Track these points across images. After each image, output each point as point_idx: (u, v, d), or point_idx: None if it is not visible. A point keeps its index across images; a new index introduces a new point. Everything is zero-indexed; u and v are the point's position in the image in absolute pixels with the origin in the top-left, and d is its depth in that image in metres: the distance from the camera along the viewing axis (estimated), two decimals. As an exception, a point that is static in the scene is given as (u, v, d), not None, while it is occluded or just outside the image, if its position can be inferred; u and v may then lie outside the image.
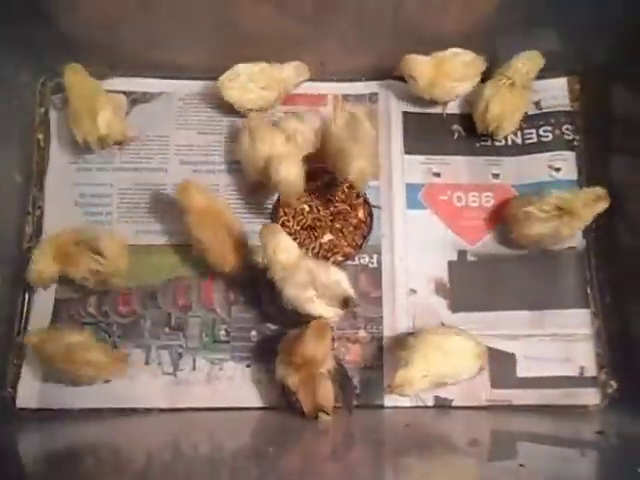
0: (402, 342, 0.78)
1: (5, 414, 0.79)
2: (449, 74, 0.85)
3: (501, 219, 0.86)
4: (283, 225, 0.86)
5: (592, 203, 0.79)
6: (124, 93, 0.91)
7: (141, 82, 0.92)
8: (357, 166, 0.78)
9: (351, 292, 0.75)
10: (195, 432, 0.76)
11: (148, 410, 0.79)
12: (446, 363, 0.75)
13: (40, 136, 0.90)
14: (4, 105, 0.85)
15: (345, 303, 0.75)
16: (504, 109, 0.85)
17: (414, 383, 0.73)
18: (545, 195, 0.81)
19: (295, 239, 0.85)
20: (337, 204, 0.87)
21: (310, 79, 0.91)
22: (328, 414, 0.74)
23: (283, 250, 0.74)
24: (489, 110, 0.85)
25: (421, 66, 0.85)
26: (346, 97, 0.92)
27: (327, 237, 0.86)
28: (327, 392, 0.74)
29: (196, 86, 0.92)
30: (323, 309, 0.75)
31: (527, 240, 0.83)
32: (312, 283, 0.74)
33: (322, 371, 0.74)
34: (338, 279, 0.75)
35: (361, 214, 0.87)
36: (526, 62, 0.85)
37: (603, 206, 0.79)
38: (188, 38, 0.85)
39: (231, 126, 0.91)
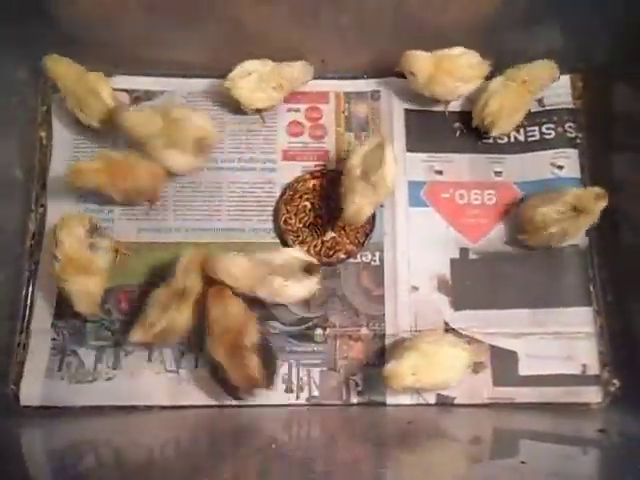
0: (401, 341, 0.78)
1: (8, 411, 0.79)
2: (452, 73, 0.85)
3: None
4: (285, 223, 0.86)
5: (601, 199, 0.78)
6: (126, 91, 0.91)
7: (143, 80, 0.91)
8: (355, 206, 0.78)
9: (309, 258, 0.78)
10: (196, 429, 0.76)
11: (150, 407, 0.80)
12: (435, 374, 0.75)
13: (42, 134, 0.90)
14: (6, 103, 0.85)
15: (309, 270, 0.77)
16: (503, 106, 0.84)
17: (402, 379, 0.73)
18: (552, 194, 0.81)
19: (297, 237, 0.85)
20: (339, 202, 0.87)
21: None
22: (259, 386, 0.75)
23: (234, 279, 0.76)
24: (488, 105, 0.85)
25: (421, 62, 0.85)
26: (348, 95, 0.92)
27: (329, 235, 0.86)
28: (253, 363, 0.74)
29: (198, 84, 0.92)
30: (298, 289, 0.77)
31: (539, 241, 0.82)
32: (273, 272, 0.76)
33: (245, 343, 0.74)
34: (291, 254, 0.78)
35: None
36: (546, 71, 0.86)
37: (603, 204, 0.79)
38: (190, 36, 0.85)
39: (233, 124, 0.91)
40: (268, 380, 0.77)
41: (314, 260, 0.79)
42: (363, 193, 0.78)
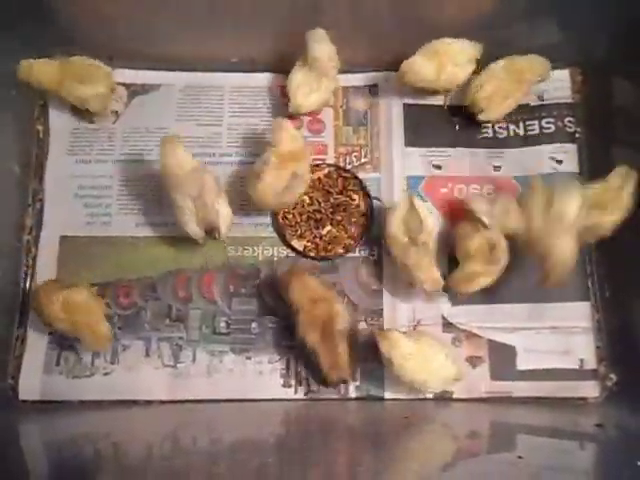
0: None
1: (6, 406, 0.80)
2: (451, 59, 0.84)
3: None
4: (284, 217, 0.86)
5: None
6: (123, 85, 0.90)
7: (140, 74, 0.91)
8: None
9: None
10: (195, 424, 0.76)
11: (148, 402, 0.80)
12: (418, 374, 0.75)
13: (39, 127, 0.89)
14: (2, 97, 0.84)
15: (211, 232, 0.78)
16: (497, 91, 0.84)
17: (399, 351, 0.73)
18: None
19: (296, 231, 0.85)
20: (337, 196, 0.87)
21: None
22: (346, 381, 0.76)
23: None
24: (483, 86, 0.84)
25: (424, 70, 0.84)
26: (346, 89, 0.92)
27: (327, 229, 0.86)
28: (342, 350, 0.75)
29: (196, 78, 0.91)
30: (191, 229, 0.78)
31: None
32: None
33: (338, 328, 0.75)
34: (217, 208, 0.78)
35: (362, 206, 0.87)
36: (539, 66, 0.86)
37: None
38: (186, 30, 0.84)
39: (231, 117, 0.90)
40: (353, 372, 0.78)
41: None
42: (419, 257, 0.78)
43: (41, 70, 0.83)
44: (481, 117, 0.86)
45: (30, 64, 0.83)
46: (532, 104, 0.90)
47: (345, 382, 0.79)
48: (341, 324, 0.75)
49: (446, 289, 0.81)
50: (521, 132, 0.90)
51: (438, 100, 0.90)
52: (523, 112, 0.89)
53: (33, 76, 0.83)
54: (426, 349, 0.76)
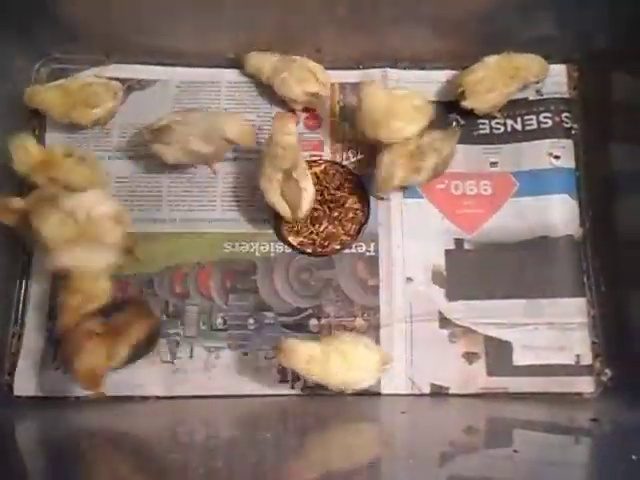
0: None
1: (3, 402, 0.79)
2: (398, 115, 0.82)
3: (504, 211, 0.86)
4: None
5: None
6: (119, 80, 0.90)
7: (137, 69, 0.91)
8: None
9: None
10: (192, 419, 0.76)
11: (145, 398, 0.80)
12: (345, 372, 0.74)
13: (35, 122, 0.89)
14: (1, 92, 0.84)
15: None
16: (484, 80, 0.85)
17: (296, 359, 0.72)
18: None
19: (293, 227, 0.85)
20: (334, 192, 0.87)
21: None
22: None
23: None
24: (474, 71, 0.85)
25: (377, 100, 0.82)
26: (343, 85, 0.92)
27: (324, 225, 0.86)
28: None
29: (192, 73, 0.91)
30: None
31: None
32: None
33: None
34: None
35: (358, 202, 0.87)
36: (536, 66, 0.87)
37: None
38: (183, 25, 0.84)
39: (227, 113, 0.90)
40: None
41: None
42: None
43: (47, 98, 0.85)
44: (465, 104, 0.86)
45: (35, 91, 0.84)
46: (530, 98, 0.90)
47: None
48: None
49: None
50: (519, 127, 0.90)
51: (436, 96, 0.90)
52: (521, 106, 0.89)
53: (39, 104, 0.85)
54: (343, 347, 0.74)
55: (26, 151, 0.80)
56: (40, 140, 0.88)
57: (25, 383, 0.80)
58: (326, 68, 0.91)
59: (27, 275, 0.84)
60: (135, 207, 0.87)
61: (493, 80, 0.85)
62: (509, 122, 0.90)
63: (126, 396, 0.80)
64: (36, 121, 0.89)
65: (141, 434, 0.70)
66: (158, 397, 0.80)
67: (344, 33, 0.85)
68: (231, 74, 0.92)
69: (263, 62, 0.88)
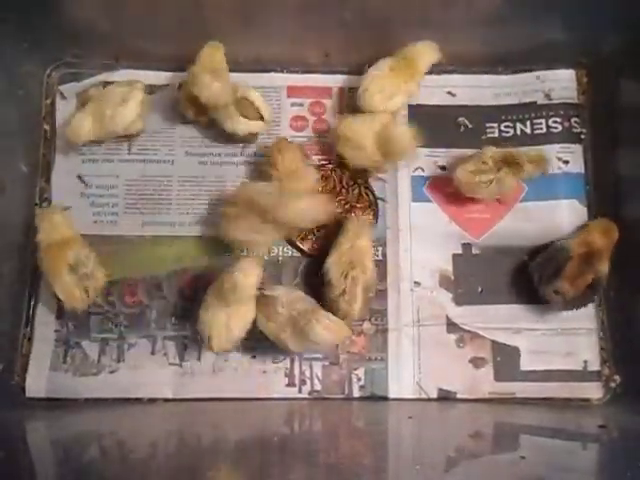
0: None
1: (14, 403, 0.80)
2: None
3: (512, 215, 0.86)
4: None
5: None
6: (130, 85, 0.91)
7: (146, 74, 0.91)
8: None
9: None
10: (199, 422, 0.77)
11: (153, 400, 0.80)
12: None
13: (46, 127, 0.90)
14: (10, 96, 0.85)
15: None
16: (375, 82, 0.84)
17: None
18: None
19: (301, 231, 0.85)
20: (341, 197, 0.87)
21: (315, 71, 0.91)
22: None
23: None
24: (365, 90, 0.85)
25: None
26: (351, 90, 0.92)
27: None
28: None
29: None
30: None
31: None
32: None
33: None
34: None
35: (366, 207, 0.87)
36: (425, 52, 0.85)
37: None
38: (192, 30, 0.84)
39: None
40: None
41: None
42: None
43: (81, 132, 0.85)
44: (364, 104, 0.85)
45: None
46: (539, 102, 0.90)
47: None
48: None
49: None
50: (528, 130, 0.90)
51: (444, 100, 0.90)
52: (531, 110, 0.89)
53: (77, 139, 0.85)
54: None
55: None
56: (51, 142, 0.89)
57: (36, 385, 0.81)
58: (334, 72, 0.91)
59: (36, 278, 0.84)
60: (144, 210, 0.87)
61: (391, 85, 0.84)
62: (519, 125, 0.90)
63: (134, 398, 0.80)
64: (47, 126, 0.90)
65: (149, 436, 0.71)
66: (166, 399, 0.80)
67: (352, 38, 0.85)
68: (241, 78, 0.91)
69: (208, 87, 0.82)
